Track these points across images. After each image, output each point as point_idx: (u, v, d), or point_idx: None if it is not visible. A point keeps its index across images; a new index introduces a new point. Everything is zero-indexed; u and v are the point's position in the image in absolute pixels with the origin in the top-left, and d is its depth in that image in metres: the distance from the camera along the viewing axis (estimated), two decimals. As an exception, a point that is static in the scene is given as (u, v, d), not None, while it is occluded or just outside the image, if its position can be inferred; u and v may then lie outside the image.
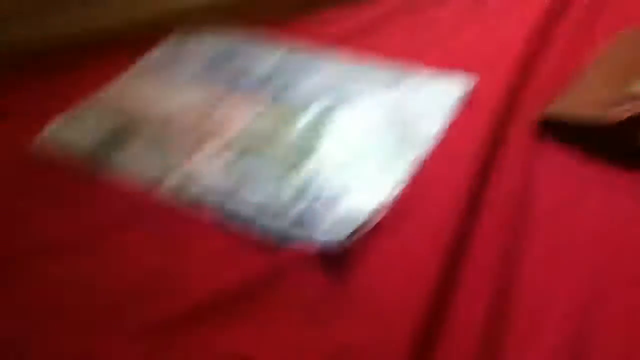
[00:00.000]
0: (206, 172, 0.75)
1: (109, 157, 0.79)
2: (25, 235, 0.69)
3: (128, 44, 1.01)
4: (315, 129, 0.83)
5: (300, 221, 0.67)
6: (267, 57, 0.98)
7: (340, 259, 0.62)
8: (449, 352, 0.53)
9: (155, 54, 1.01)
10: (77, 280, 0.62)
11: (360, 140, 0.80)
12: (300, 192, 0.71)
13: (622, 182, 0.70)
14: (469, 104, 0.83)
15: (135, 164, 0.77)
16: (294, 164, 0.76)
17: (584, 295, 0.57)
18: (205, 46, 1.02)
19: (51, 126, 0.84)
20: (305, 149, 0.79)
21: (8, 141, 0.84)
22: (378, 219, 0.67)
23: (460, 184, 0.69)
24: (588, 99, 0.77)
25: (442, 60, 0.91)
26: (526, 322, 0.55)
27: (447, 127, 0.80)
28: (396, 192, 0.70)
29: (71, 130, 0.84)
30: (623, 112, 0.73)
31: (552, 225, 0.65)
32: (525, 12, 0.99)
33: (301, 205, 0.69)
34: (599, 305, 0.56)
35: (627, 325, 0.54)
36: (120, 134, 0.82)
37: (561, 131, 0.76)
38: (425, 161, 0.75)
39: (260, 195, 0.71)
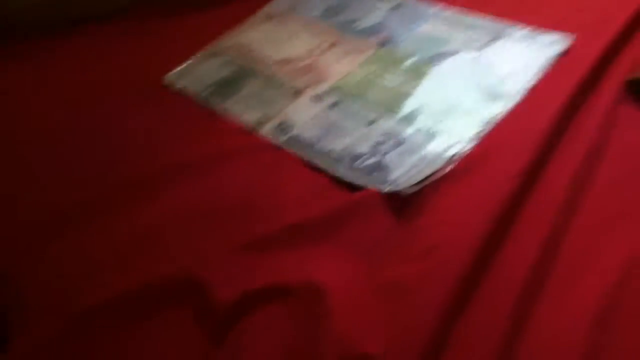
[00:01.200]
0: (301, 119, 0.84)
1: (223, 101, 0.90)
2: (154, 158, 0.82)
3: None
4: (414, 78, 0.89)
5: (375, 169, 0.75)
6: (377, 8, 1.03)
7: (407, 204, 0.69)
8: (492, 293, 0.59)
9: (278, 1, 1.10)
10: (196, 197, 0.75)
11: (452, 91, 0.85)
12: (377, 145, 0.78)
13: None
14: (562, 64, 0.84)
15: (243, 108, 0.88)
16: (387, 110, 0.84)
17: (628, 251, 0.60)
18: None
19: (174, 71, 0.97)
20: (400, 95, 0.86)
21: (144, 70, 0.97)
22: (449, 169, 0.72)
23: (534, 142, 0.72)
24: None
25: (544, 18, 0.91)
26: (564, 280, 0.60)
27: (536, 84, 0.82)
28: (472, 144, 0.75)
29: (190, 76, 0.96)
30: None
31: (613, 190, 0.67)
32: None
33: (375, 157, 0.76)
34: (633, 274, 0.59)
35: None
36: (234, 80, 0.94)
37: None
38: (508, 116, 0.78)
39: (341, 144, 0.79)
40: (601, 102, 0.77)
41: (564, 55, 0.85)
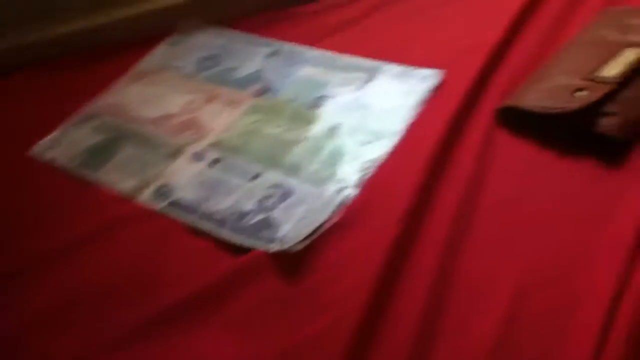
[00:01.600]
0: (181, 181, 0.80)
1: (96, 170, 0.85)
2: (24, 241, 0.76)
3: (124, 48, 1.07)
4: (297, 125, 0.87)
5: (262, 227, 0.72)
6: (254, 56, 1.02)
7: (296, 262, 0.67)
8: (388, 341, 0.58)
9: (149, 59, 1.06)
10: (62, 287, 0.69)
11: (335, 135, 0.84)
12: (263, 200, 0.76)
13: (575, 171, 0.72)
14: (436, 99, 0.85)
15: (119, 175, 0.83)
16: (271, 161, 0.82)
17: (516, 286, 0.61)
18: (195, 48, 1.06)
19: (42, 142, 0.91)
20: (284, 145, 0.84)
21: (8, 142, 0.92)
22: (336, 219, 0.71)
23: (415, 181, 0.73)
24: (551, 85, 0.79)
25: (414, 56, 0.93)
26: (460, 310, 0.60)
27: (413, 121, 0.83)
28: (357, 190, 0.74)
29: (60, 146, 0.90)
30: (580, 98, 0.75)
31: (497, 218, 0.68)
32: (506, 1, 1.00)
33: (262, 213, 0.74)
34: (529, 296, 0.60)
35: (550, 316, 0.58)
36: (107, 146, 0.88)
37: (520, 120, 0.78)
38: (388, 157, 0.78)
39: (225, 204, 0.76)
40: (475, 132, 0.79)
41: (437, 90, 0.87)
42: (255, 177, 0.80)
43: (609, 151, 0.72)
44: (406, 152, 0.78)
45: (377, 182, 0.75)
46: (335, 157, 0.81)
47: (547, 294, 0.60)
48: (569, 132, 0.75)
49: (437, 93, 0.87)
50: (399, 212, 0.69)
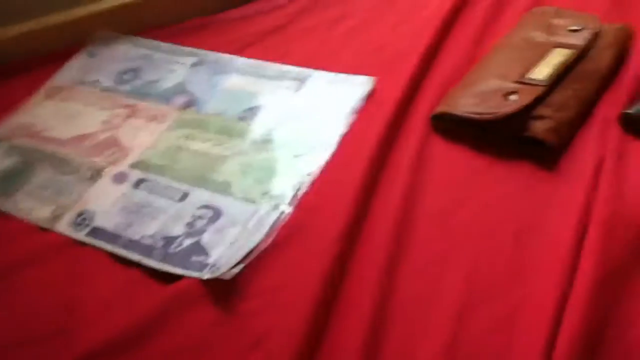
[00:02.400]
0: (103, 205, 0.75)
1: (7, 198, 0.78)
2: None
3: (35, 64, 0.99)
4: (226, 139, 0.83)
5: (192, 252, 0.67)
6: (176, 66, 0.96)
7: (230, 289, 0.62)
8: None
9: (63, 73, 0.99)
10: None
11: (267, 149, 0.80)
12: (193, 222, 0.71)
13: (510, 177, 0.71)
14: (368, 107, 0.83)
15: (33, 203, 0.76)
16: (200, 179, 0.77)
17: (457, 304, 0.59)
18: (113, 59, 1.00)
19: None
20: (212, 161, 0.79)
21: None
22: (271, 240, 0.67)
23: (351, 195, 0.70)
24: (482, 90, 0.78)
25: (343, 63, 0.91)
26: (402, 334, 0.57)
27: (346, 131, 0.80)
28: (292, 207, 0.71)
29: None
30: (512, 103, 0.74)
31: (435, 230, 0.67)
32: (433, 6, 0.99)
33: (192, 237, 0.69)
34: (470, 315, 0.58)
35: (492, 335, 0.57)
36: (19, 171, 0.81)
37: (454, 125, 0.77)
38: (323, 170, 0.75)
39: (151, 229, 0.71)
40: (410, 141, 0.77)
41: (369, 97, 0.85)
42: (183, 197, 0.75)
43: (542, 155, 0.71)
44: (341, 164, 0.76)
45: (312, 198, 0.72)
46: (268, 173, 0.77)
47: (490, 309, 0.59)
48: (502, 137, 0.74)
49: (370, 100, 0.84)
50: (336, 230, 0.66)
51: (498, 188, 0.70)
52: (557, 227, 0.64)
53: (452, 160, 0.74)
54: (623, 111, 0.73)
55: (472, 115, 0.74)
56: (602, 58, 0.79)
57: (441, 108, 0.78)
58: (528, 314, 0.58)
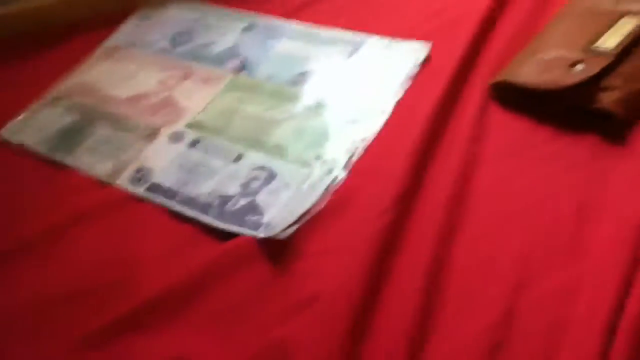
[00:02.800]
0: (160, 163, 0.76)
1: (69, 154, 0.79)
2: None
3: (90, 26, 1.01)
4: (278, 103, 0.83)
5: (247, 211, 0.68)
6: (229, 30, 0.96)
7: (283, 248, 0.63)
8: (380, 337, 0.55)
9: (118, 35, 1.00)
10: (34, 282, 0.64)
11: (320, 114, 0.80)
12: (247, 183, 0.71)
13: (572, 151, 0.69)
14: (424, 74, 0.81)
15: (94, 159, 0.78)
16: (254, 141, 0.77)
17: (514, 276, 0.58)
18: (167, 22, 1.01)
19: (10, 125, 0.85)
20: (266, 124, 0.79)
21: None
22: (325, 203, 0.67)
23: (405, 164, 0.69)
24: (545, 58, 0.75)
25: (398, 28, 0.89)
26: (455, 304, 0.57)
27: (403, 97, 0.79)
28: (346, 172, 0.71)
29: (29, 129, 0.84)
30: (578, 73, 0.71)
31: (492, 201, 0.65)
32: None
33: (247, 197, 0.70)
34: (527, 287, 0.57)
35: (549, 308, 0.55)
36: (80, 128, 0.83)
37: (514, 95, 0.75)
38: (378, 136, 0.74)
39: (207, 187, 0.71)
40: (467, 110, 0.75)
41: (425, 63, 0.83)
42: (238, 158, 0.75)
43: (609, 128, 0.69)
44: (396, 132, 0.74)
45: (365, 164, 0.71)
46: (321, 138, 0.76)
47: (547, 282, 0.57)
48: (566, 108, 0.71)
49: (426, 67, 0.83)
50: (389, 198, 0.65)
51: (560, 160, 0.68)
52: (622, 203, 0.62)
53: (512, 131, 0.72)
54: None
55: (535, 85, 0.72)
56: (675, 27, 0.75)
57: (501, 76, 0.76)
58: (589, 290, 0.56)
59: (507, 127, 0.73)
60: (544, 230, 0.62)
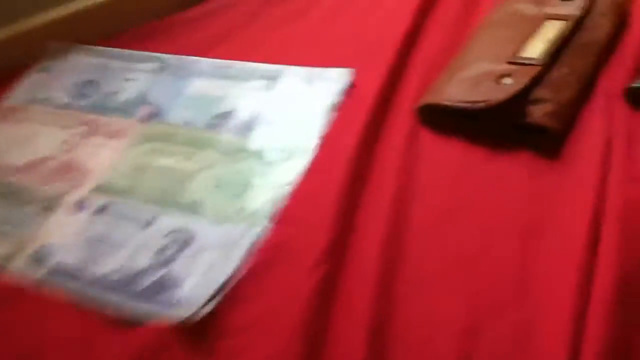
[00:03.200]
0: (60, 240, 0.67)
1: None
2: None
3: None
4: (194, 152, 0.75)
5: (160, 288, 0.60)
6: (136, 75, 0.88)
7: (203, 328, 0.55)
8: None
9: (15, 93, 0.90)
10: None
11: (241, 161, 0.73)
12: (162, 250, 0.64)
13: (510, 170, 0.64)
14: (348, 102, 0.75)
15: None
16: (167, 201, 0.69)
17: (464, 322, 0.53)
18: (68, 72, 0.92)
19: None
20: (180, 179, 0.72)
21: None
22: (248, 267, 0.60)
23: (336, 205, 0.63)
24: (472, 74, 0.70)
25: (318, 54, 0.83)
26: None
27: (327, 131, 0.73)
28: (271, 225, 0.64)
29: None
30: (506, 87, 0.66)
31: (430, 240, 0.60)
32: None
33: (161, 268, 0.62)
34: (479, 332, 0.52)
35: (506, 350, 0.50)
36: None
37: (443, 116, 0.69)
38: (301, 181, 0.68)
39: (115, 262, 0.63)
40: (396, 138, 0.69)
41: (348, 91, 0.77)
42: (150, 223, 0.67)
43: (544, 142, 0.64)
44: (323, 170, 0.68)
45: (292, 213, 0.64)
46: (243, 186, 0.69)
47: (500, 326, 0.52)
48: (498, 125, 0.66)
49: (349, 95, 0.77)
50: (320, 250, 0.58)
51: (497, 184, 0.63)
52: (568, 223, 0.57)
53: (444, 156, 0.67)
54: (628, 85, 0.65)
55: (463, 105, 0.67)
56: (600, 28, 0.71)
57: (427, 98, 0.70)
58: (544, 328, 0.51)
59: (439, 152, 0.68)
60: (489, 267, 0.57)
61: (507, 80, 0.67)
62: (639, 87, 0.64)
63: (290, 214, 0.64)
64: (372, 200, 0.64)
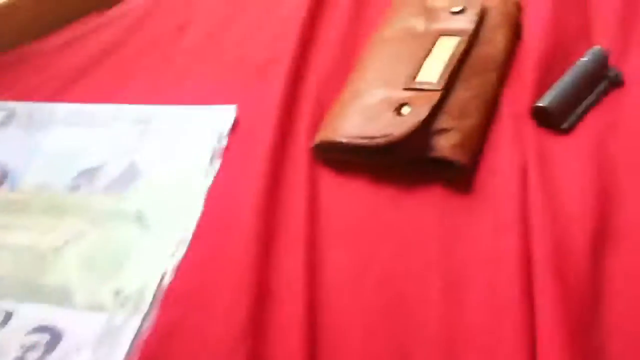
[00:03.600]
0: None
1: None
2: None
3: None
4: (54, 224, 0.62)
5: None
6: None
7: None
8: None
9: None
10: None
11: (110, 229, 0.61)
12: (22, 356, 0.51)
13: (421, 206, 0.57)
14: (234, 145, 0.66)
15: None
16: (28, 287, 0.57)
17: None
18: None
19: None
20: (40, 256, 0.59)
21: None
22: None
23: (235, 276, 0.53)
24: (368, 104, 0.63)
25: (194, 89, 0.74)
26: None
27: (214, 182, 0.63)
28: (154, 311, 0.53)
29: None
30: (406, 119, 0.60)
31: (348, 302, 0.52)
32: (290, 4, 0.83)
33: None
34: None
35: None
36: None
37: (343, 154, 0.62)
38: (190, 251, 0.57)
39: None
40: (294, 182, 0.61)
41: (233, 131, 0.67)
42: (6, 320, 0.55)
43: (454, 174, 0.58)
44: (214, 233, 0.58)
45: (183, 288, 0.54)
46: (118, 261, 0.58)
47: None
48: (403, 157, 0.60)
49: (236, 136, 0.67)
50: (234, 327, 0.49)
51: (407, 227, 0.56)
52: (492, 272, 0.51)
53: (349, 200, 0.59)
54: (536, 104, 0.61)
55: (360, 141, 0.60)
56: (495, 42, 0.67)
57: (322, 135, 0.63)
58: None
59: (343, 196, 0.60)
60: (412, 327, 0.50)
61: (406, 110, 0.60)
62: (547, 106, 0.60)
63: (181, 292, 0.54)
64: (280, 263, 0.55)
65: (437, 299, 0.51)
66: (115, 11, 0.90)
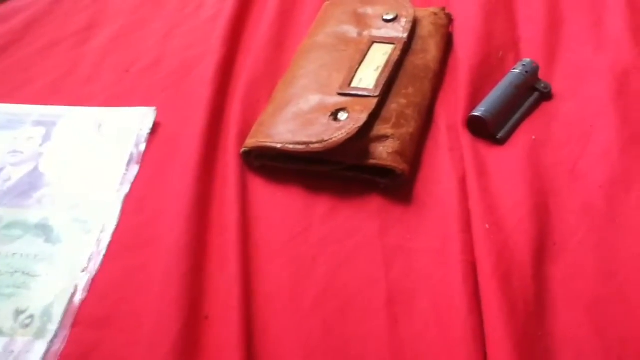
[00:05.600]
0: None
1: None
2: None
3: None
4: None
5: None
6: None
7: None
8: None
9: None
10: None
11: (13, 242, 0.54)
12: None
13: (359, 217, 0.55)
14: (154, 151, 0.61)
15: None
16: None
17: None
18: None
19: None
20: None
21: None
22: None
23: (156, 295, 0.48)
24: (302, 109, 0.60)
25: (108, 88, 0.68)
26: None
27: (131, 190, 0.57)
28: (62, 337, 0.47)
29: None
30: (342, 125, 0.57)
31: (287, 325, 0.48)
32: (212, 4, 0.79)
33: None
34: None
35: None
36: None
37: (275, 160, 0.58)
38: (103, 261, 0.52)
39: None
40: (225, 192, 0.56)
41: (152, 136, 0.62)
42: None
43: (392, 183, 0.56)
44: (131, 248, 0.53)
45: (98, 307, 0.48)
46: (21, 280, 0.51)
47: None
48: (340, 165, 0.57)
49: (155, 140, 0.62)
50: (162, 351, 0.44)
51: (348, 240, 0.53)
52: (438, 288, 0.49)
53: (282, 211, 0.55)
54: (471, 114, 0.60)
55: (295, 147, 0.56)
56: (428, 51, 0.66)
57: (253, 141, 0.58)
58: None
59: (276, 205, 0.56)
60: (354, 340, 0.47)
61: (343, 116, 0.57)
62: (482, 116, 0.59)
63: (102, 312, 0.48)
64: (215, 277, 0.50)
65: (381, 313, 0.49)
66: (8, 5, 0.82)
